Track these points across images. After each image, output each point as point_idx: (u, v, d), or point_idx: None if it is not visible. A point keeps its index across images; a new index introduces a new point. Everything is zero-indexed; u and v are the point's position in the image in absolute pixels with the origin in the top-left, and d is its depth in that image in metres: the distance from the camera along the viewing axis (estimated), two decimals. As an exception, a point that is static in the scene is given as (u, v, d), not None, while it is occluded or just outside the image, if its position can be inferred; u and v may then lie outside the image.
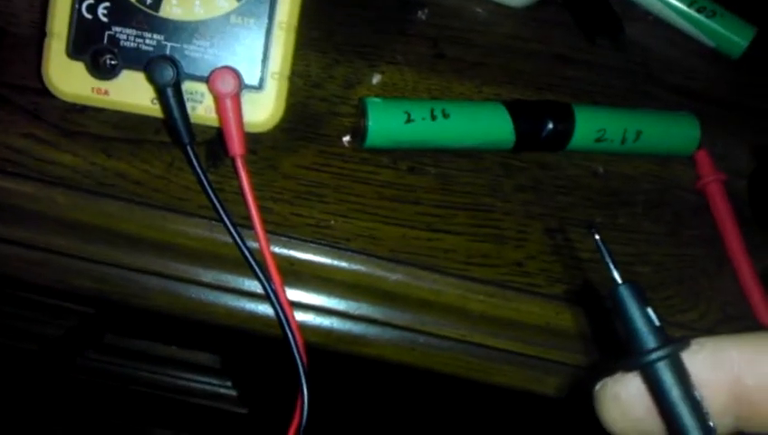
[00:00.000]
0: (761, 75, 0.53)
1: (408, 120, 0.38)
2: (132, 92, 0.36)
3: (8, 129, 0.36)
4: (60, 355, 0.74)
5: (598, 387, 0.21)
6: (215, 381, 0.78)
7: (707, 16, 0.51)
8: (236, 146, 0.35)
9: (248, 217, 0.35)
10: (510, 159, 0.42)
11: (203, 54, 0.36)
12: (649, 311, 0.20)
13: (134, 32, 0.35)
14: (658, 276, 0.40)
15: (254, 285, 0.36)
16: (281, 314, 0.35)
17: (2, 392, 0.73)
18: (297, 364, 0.34)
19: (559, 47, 0.49)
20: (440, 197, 0.39)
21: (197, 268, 0.36)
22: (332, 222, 0.37)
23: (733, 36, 0.52)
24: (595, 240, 0.21)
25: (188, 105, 0.35)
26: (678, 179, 0.45)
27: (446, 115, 0.39)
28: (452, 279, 0.37)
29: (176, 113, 0.34)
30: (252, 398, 0.79)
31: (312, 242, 0.36)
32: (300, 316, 0.36)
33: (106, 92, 0.36)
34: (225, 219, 0.35)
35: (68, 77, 0.35)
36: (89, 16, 0.35)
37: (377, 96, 0.41)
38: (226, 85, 0.35)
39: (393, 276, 0.37)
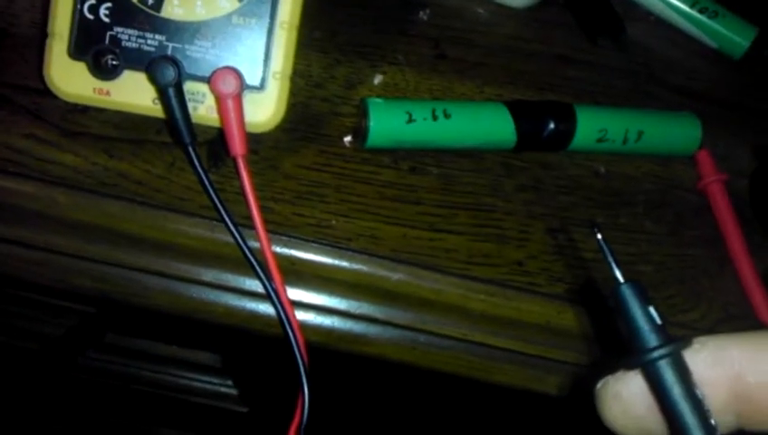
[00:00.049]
0: (762, 76, 0.53)
1: (410, 121, 0.38)
2: (134, 93, 0.36)
3: (10, 129, 0.36)
4: (61, 354, 0.74)
5: (599, 385, 0.21)
6: (215, 381, 0.78)
7: (709, 17, 0.52)
8: (238, 146, 0.35)
9: (249, 217, 0.35)
10: (511, 159, 0.42)
11: (204, 55, 0.36)
12: (651, 310, 0.20)
13: (136, 32, 0.35)
14: (660, 276, 0.40)
15: (255, 285, 0.36)
16: (282, 314, 0.35)
17: (3, 392, 0.73)
18: (298, 363, 0.34)
19: (560, 47, 0.49)
20: (441, 197, 0.39)
21: (199, 268, 0.36)
22: (334, 222, 0.37)
23: (734, 37, 0.52)
24: (597, 239, 0.21)
25: (190, 105, 0.35)
26: (680, 180, 0.45)
27: (447, 115, 0.39)
28: (453, 278, 0.37)
29: (177, 113, 0.34)
30: (253, 397, 0.79)
31: (313, 242, 0.36)
32: (301, 315, 0.36)
33: (107, 93, 0.36)
34: (227, 219, 0.35)
35: (69, 77, 0.35)
36: (90, 17, 0.35)
37: (378, 96, 0.41)
38: (228, 85, 0.35)
39: (394, 276, 0.37)
